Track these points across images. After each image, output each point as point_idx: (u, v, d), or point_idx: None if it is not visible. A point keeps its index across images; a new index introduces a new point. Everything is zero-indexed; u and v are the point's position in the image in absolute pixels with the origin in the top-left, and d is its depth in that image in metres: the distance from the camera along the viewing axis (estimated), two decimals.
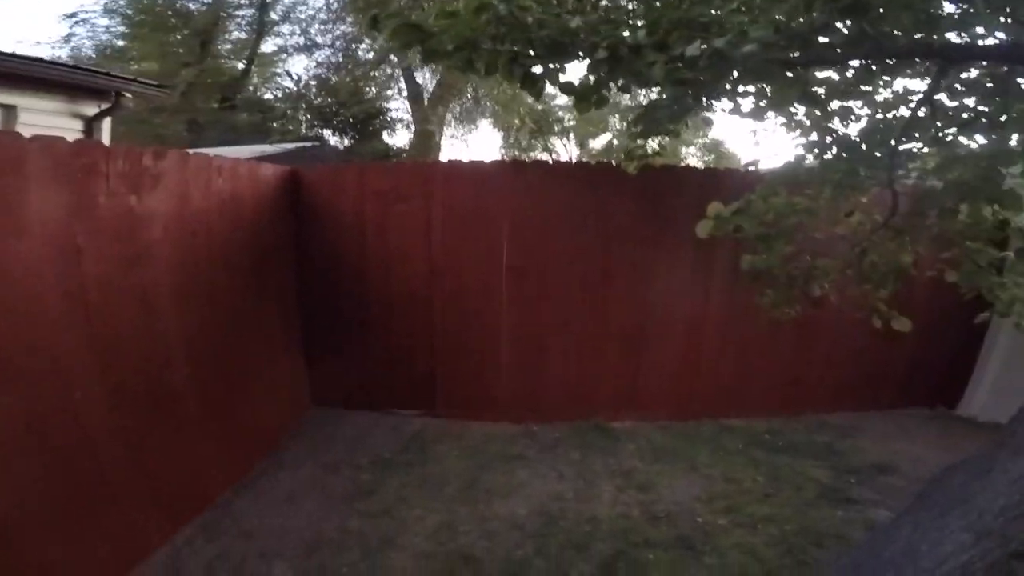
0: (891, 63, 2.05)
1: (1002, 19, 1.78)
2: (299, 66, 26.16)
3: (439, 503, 3.20)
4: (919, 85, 2.40)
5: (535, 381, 4.37)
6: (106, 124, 5.39)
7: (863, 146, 2.50)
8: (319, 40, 14.82)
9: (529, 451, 3.87)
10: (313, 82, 15.05)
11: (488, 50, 1.95)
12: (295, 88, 15.67)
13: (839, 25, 1.67)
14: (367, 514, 3.08)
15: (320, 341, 4.49)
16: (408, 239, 4.24)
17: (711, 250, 3.90)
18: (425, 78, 13.81)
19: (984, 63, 2.00)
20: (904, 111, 2.40)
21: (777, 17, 1.62)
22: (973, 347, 4.69)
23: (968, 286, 2.74)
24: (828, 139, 2.62)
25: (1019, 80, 1.89)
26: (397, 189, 4.23)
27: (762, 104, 2.43)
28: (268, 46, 16.22)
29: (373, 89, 14.65)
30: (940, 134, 2.21)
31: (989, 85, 1.99)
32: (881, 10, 1.61)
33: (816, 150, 2.70)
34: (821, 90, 2.41)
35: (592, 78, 2.07)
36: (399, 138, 15.28)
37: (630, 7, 2.58)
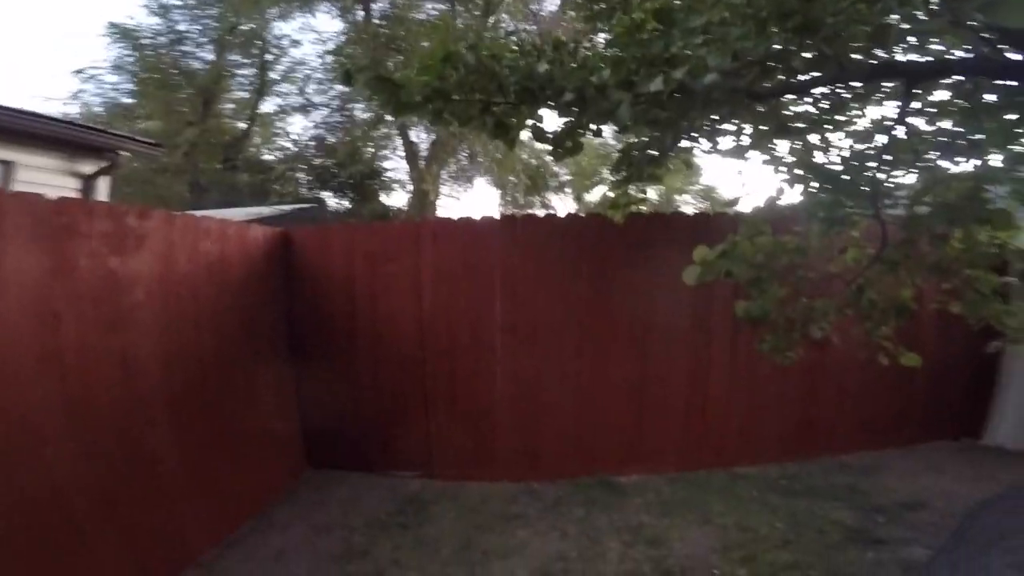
0: (858, 87, 2.06)
1: (961, 34, 1.79)
2: (297, 126, 26.80)
3: (434, 565, 3.03)
4: (893, 112, 2.41)
5: (534, 437, 4.19)
6: (104, 183, 5.16)
7: (845, 177, 2.48)
8: (316, 100, 15.36)
9: (529, 510, 3.66)
10: (311, 142, 15.45)
11: (458, 100, 1.97)
12: (294, 148, 16.03)
13: (797, 50, 1.68)
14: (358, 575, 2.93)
15: (314, 403, 4.37)
16: (398, 299, 4.20)
17: (709, 292, 3.81)
18: (420, 137, 14.20)
19: (950, 80, 2.00)
20: (882, 139, 2.40)
21: (736, 46, 1.63)
22: (988, 375, 4.54)
23: (974, 316, 2.65)
24: (810, 173, 2.61)
25: (984, 96, 1.89)
26: (385, 249, 4.23)
27: (742, 143, 2.43)
28: (268, 106, 16.81)
29: (371, 149, 15.06)
30: (919, 160, 2.19)
31: (959, 102, 1.98)
32: (832, 23, 1.61)
33: (799, 184, 2.68)
34: (799, 124, 2.43)
35: (562, 123, 2.08)
36: (397, 198, 15.57)
37: (600, 50, 2.64)
